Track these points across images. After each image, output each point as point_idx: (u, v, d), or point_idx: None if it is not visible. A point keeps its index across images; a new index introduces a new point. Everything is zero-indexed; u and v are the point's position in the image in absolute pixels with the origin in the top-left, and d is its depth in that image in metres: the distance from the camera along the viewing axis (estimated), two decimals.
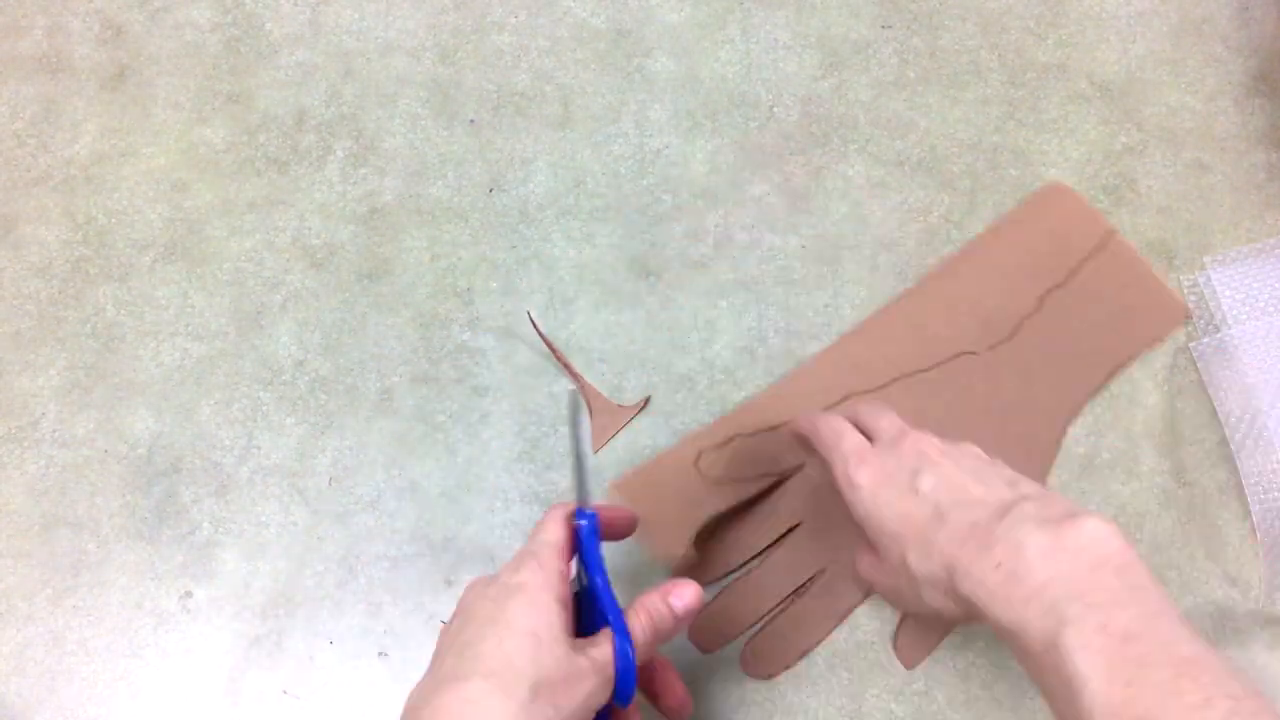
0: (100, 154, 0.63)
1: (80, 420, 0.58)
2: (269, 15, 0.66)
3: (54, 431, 0.58)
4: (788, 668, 0.52)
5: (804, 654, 0.52)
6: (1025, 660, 0.37)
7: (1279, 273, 0.58)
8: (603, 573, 0.42)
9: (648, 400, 0.57)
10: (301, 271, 0.60)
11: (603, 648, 0.39)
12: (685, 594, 0.42)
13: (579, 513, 0.43)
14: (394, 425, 0.57)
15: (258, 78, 0.65)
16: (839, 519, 0.48)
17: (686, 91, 0.64)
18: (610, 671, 0.38)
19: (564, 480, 0.56)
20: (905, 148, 0.62)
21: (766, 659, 0.52)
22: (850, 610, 0.53)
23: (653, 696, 0.44)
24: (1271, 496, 0.54)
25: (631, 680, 0.39)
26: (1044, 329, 0.57)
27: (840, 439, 0.46)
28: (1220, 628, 0.53)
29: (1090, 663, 0.33)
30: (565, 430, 0.57)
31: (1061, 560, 0.36)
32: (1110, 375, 0.56)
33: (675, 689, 0.44)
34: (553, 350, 0.57)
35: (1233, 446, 0.55)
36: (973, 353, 0.57)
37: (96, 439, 0.57)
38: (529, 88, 0.64)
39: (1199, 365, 0.57)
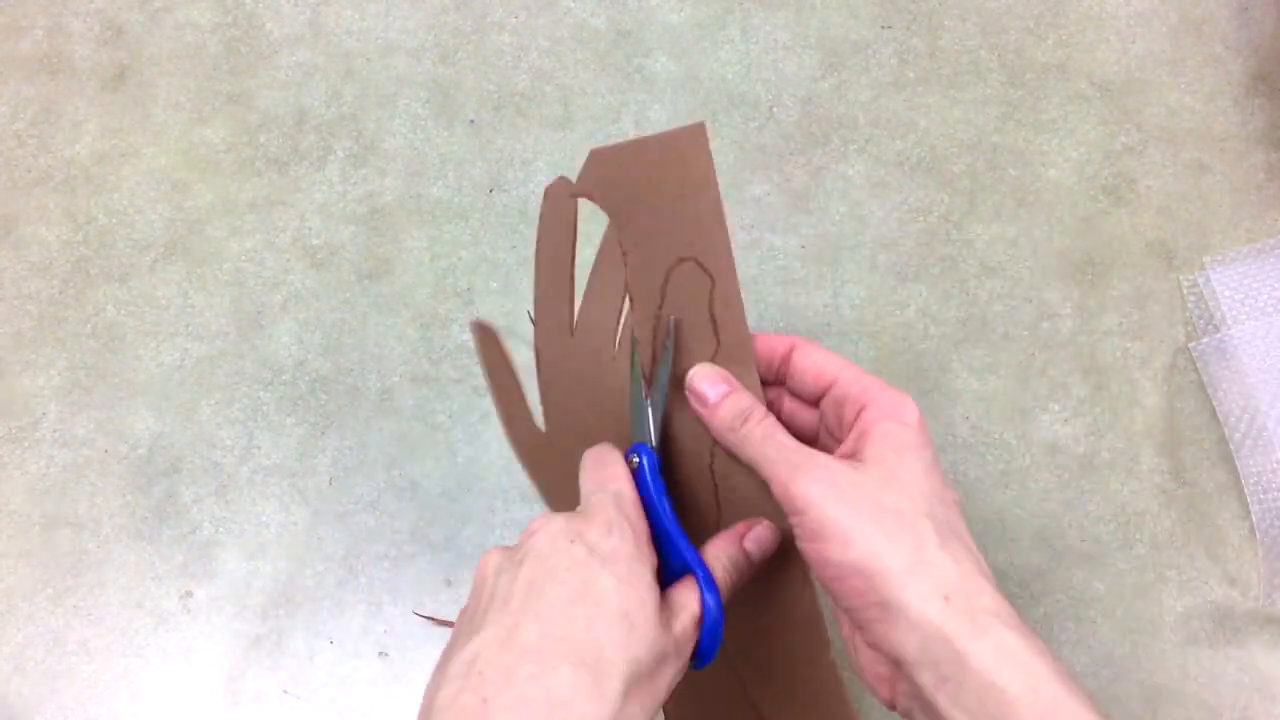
0: (101, 154, 0.63)
1: (80, 420, 0.58)
2: (269, 15, 0.66)
3: (54, 431, 0.58)
4: None
5: None
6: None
7: (1279, 273, 0.58)
8: (673, 519, 0.37)
9: None
10: (302, 271, 0.60)
11: (683, 618, 0.34)
12: (764, 537, 0.38)
13: (638, 448, 0.38)
14: (394, 425, 0.57)
15: (258, 78, 0.65)
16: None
17: (686, 91, 0.64)
18: (689, 651, 0.34)
19: None
20: (905, 148, 0.62)
21: None
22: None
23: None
24: (1271, 496, 0.54)
25: (716, 647, 0.35)
26: None
27: (873, 379, 0.39)
28: (1220, 628, 0.53)
29: (931, 613, 0.32)
30: None
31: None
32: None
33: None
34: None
35: (1232, 446, 0.55)
36: None
37: (97, 439, 0.57)
38: (529, 88, 0.64)
39: (1199, 365, 0.57)
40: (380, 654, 0.54)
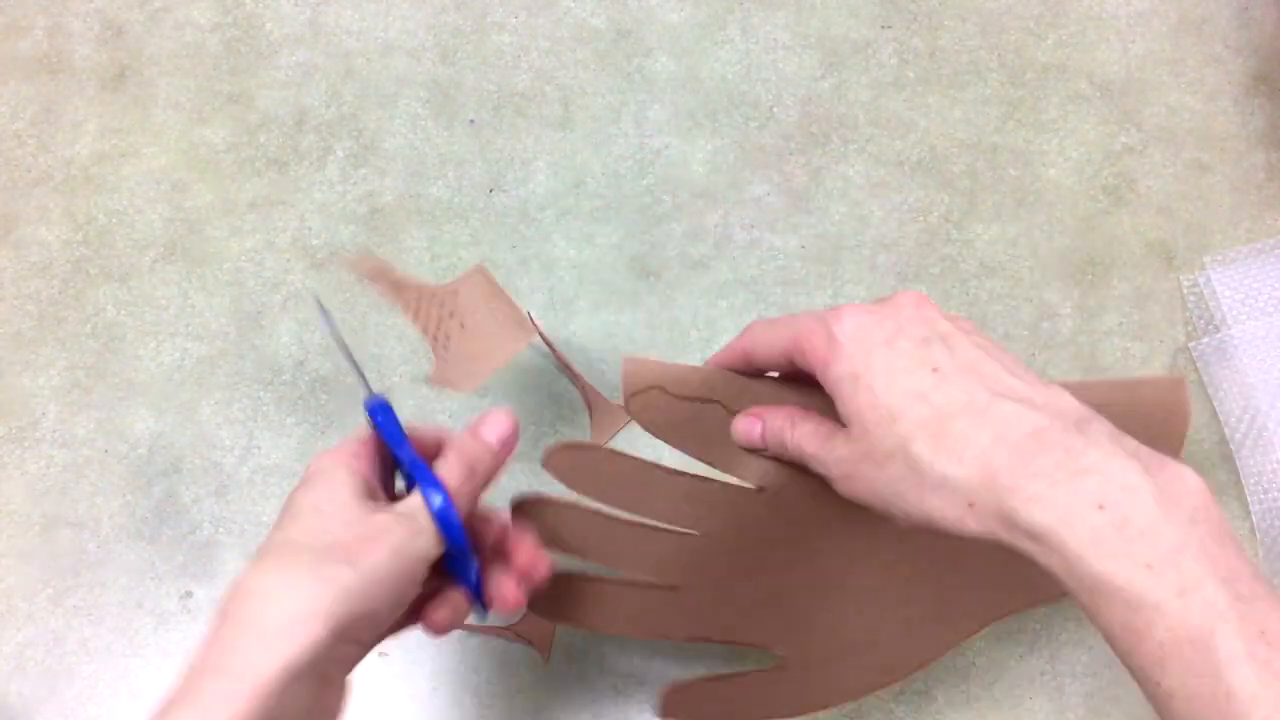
0: (100, 154, 0.63)
1: (80, 420, 0.58)
2: (269, 15, 0.66)
3: (54, 431, 0.58)
4: None
5: None
6: (1118, 619, 0.29)
7: (1279, 273, 0.58)
8: (404, 444, 0.40)
9: None
10: (302, 271, 0.60)
11: (412, 499, 0.37)
12: (497, 422, 0.40)
13: (367, 401, 0.41)
14: None
15: (258, 78, 0.65)
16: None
17: (686, 91, 0.64)
18: (425, 520, 0.36)
19: None
20: (905, 148, 0.62)
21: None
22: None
23: (503, 557, 0.41)
24: (1271, 496, 0.54)
25: (453, 523, 0.37)
26: None
27: (800, 318, 0.38)
28: None
29: (1260, 682, 0.27)
30: (565, 430, 0.57)
31: (1177, 518, 0.29)
32: None
33: (523, 544, 0.40)
34: (553, 350, 0.57)
35: (1232, 446, 0.55)
36: None
37: (96, 439, 0.57)
38: (529, 88, 0.64)
39: (1199, 365, 0.57)
40: (380, 654, 0.54)
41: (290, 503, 0.38)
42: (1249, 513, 0.54)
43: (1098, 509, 0.29)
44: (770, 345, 0.39)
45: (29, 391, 0.58)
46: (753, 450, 0.42)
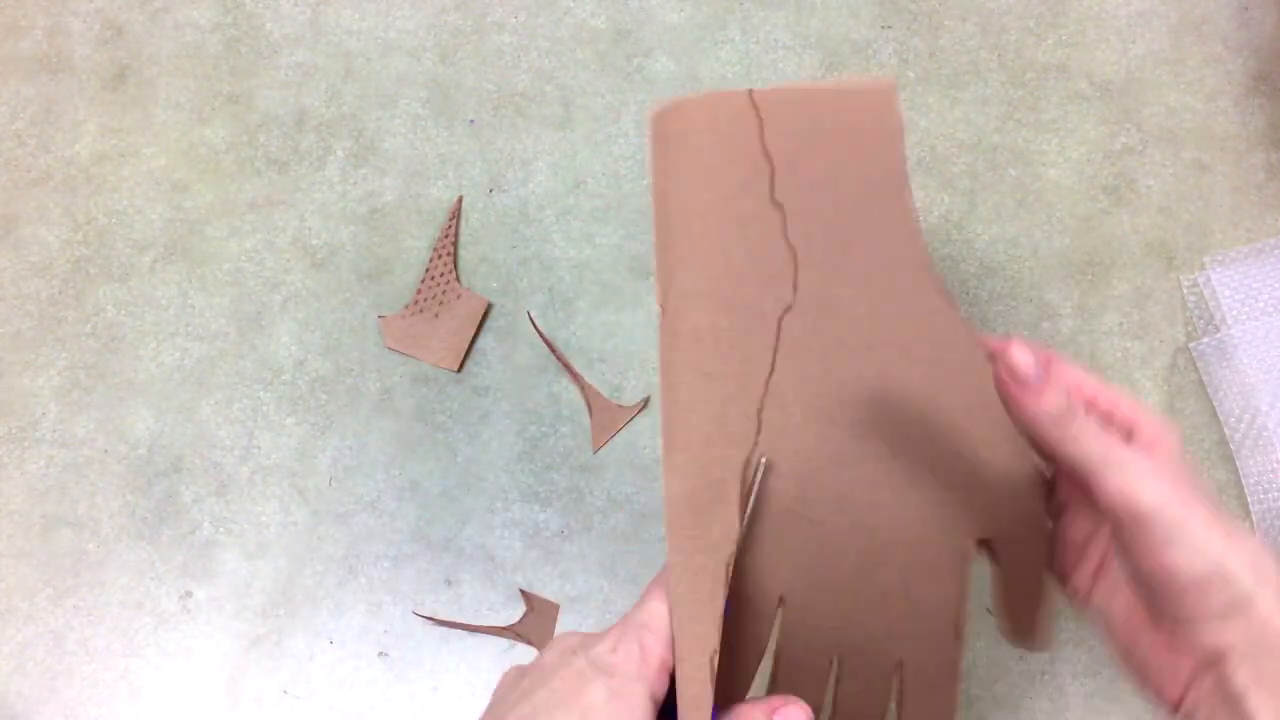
0: (100, 154, 0.63)
1: (80, 420, 0.58)
2: (269, 15, 0.66)
3: (54, 431, 0.58)
4: None
5: None
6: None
7: (1279, 273, 0.58)
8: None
9: (648, 400, 0.57)
10: (302, 271, 0.60)
11: None
12: (792, 716, 0.35)
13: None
14: (394, 425, 0.57)
15: (258, 78, 0.65)
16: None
17: (686, 91, 0.64)
18: None
19: (564, 480, 0.56)
20: (905, 148, 0.62)
21: None
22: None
23: None
24: (1271, 496, 0.54)
25: None
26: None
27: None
28: None
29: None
30: (565, 430, 0.57)
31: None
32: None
33: None
34: (553, 350, 0.57)
35: (1233, 446, 0.55)
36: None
37: (96, 439, 0.57)
38: (529, 88, 0.64)
39: (1199, 365, 0.57)
40: (380, 654, 0.54)
41: (580, 692, 0.33)
42: (1249, 513, 0.54)
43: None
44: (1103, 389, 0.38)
45: (29, 391, 0.58)
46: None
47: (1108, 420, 0.36)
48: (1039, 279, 0.60)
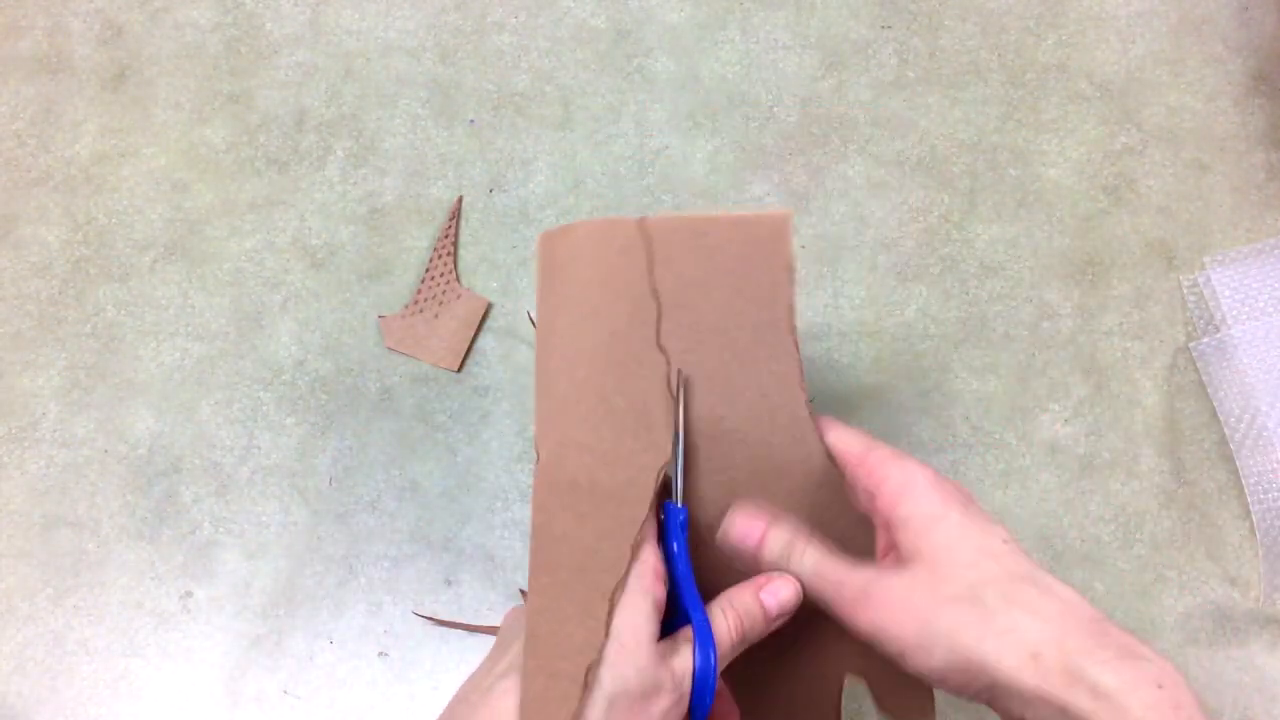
0: (100, 154, 0.63)
1: (80, 420, 0.58)
2: (269, 15, 0.66)
3: (54, 431, 0.58)
4: None
5: None
6: None
7: (1279, 273, 0.58)
8: (688, 566, 0.37)
9: None
10: (302, 271, 0.60)
11: (683, 656, 0.35)
12: (782, 591, 0.37)
13: (668, 505, 0.39)
14: (394, 425, 0.57)
15: (258, 78, 0.65)
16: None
17: (686, 91, 0.64)
18: (687, 686, 0.35)
19: None
20: (905, 148, 0.62)
21: None
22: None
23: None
24: (1271, 496, 0.54)
25: (709, 698, 0.35)
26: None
27: (880, 443, 0.39)
28: (1220, 628, 0.53)
29: None
30: None
31: (1199, 709, 0.34)
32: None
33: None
34: None
35: (1233, 446, 0.55)
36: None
37: (96, 439, 0.57)
38: (529, 88, 0.64)
39: (1199, 365, 0.57)
40: (380, 654, 0.54)
41: None
42: (1249, 513, 0.54)
43: (1157, 687, 0.32)
44: (839, 439, 0.39)
45: (29, 391, 0.58)
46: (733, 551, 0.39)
47: (856, 489, 0.38)
48: (1039, 279, 0.60)
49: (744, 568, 0.39)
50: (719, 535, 0.39)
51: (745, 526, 0.38)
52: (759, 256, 0.40)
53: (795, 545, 0.38)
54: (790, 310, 0.40)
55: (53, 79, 0.65)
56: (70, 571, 0.55)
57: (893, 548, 0.37)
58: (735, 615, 0.37)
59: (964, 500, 0.37)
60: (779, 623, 0.38)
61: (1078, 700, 0.32)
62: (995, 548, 0.35)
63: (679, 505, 0.39)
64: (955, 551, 0.35)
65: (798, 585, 0.38)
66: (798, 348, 0.40)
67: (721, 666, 0.36)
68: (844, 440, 0.39)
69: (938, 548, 0.35)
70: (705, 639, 0.35)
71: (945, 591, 0.35)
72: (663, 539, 0.38)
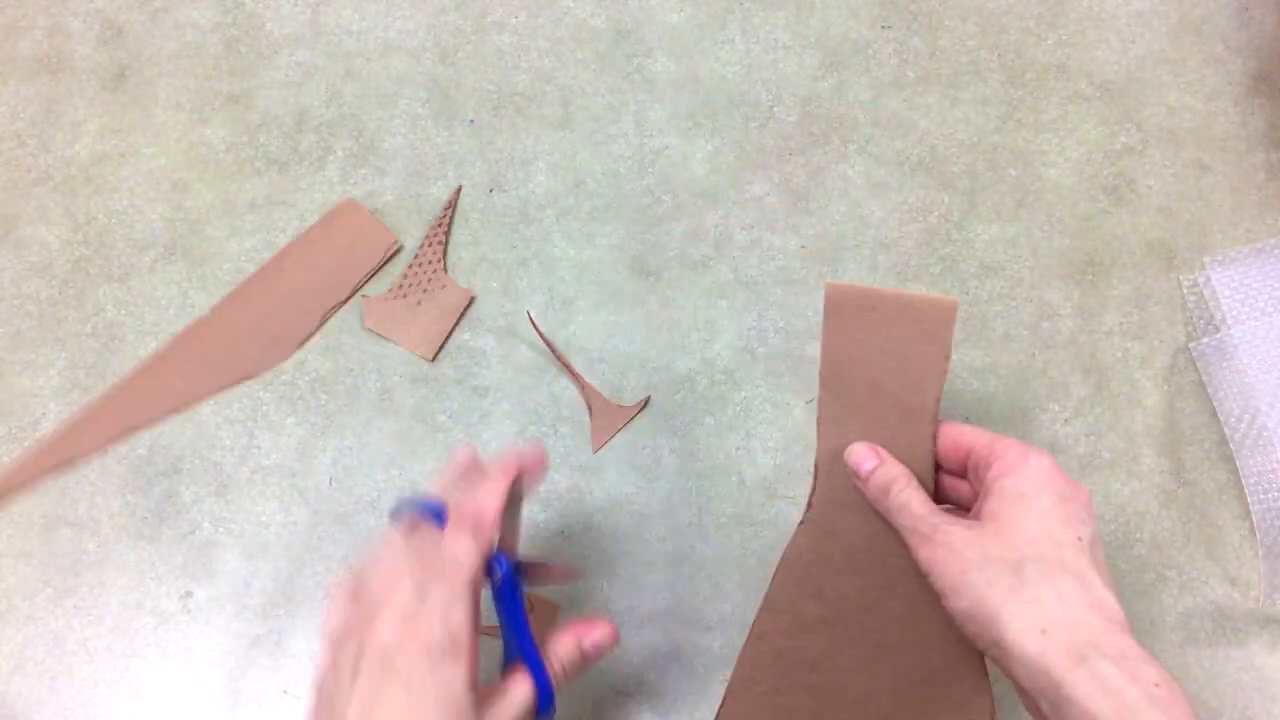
0: (100, 154, 0.63)
1: None
2: (269, 15, 0.66)
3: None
4: None
5: None
6: None
7: (1279, 273, 0.58)
8: (522, 623, 0.41)
9: (647, 400, 0.57)
10: None
11: (512, 699, 0.39)
12: (597, 635, 0.42)
13: (498, 558, 0.41)
14: (394, 425, 0.57)
15: (258, 78, 0.65)
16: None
17: (686, 91, 0.64)
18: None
19: (564, 480, 0.56)
20: (905, 148, 0.62)
21: None
22: None
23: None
24: (1271, 496, 0.54)
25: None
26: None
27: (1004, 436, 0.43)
28: (1220, 628, 0.53)
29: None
30: (565, 430, 0.57)
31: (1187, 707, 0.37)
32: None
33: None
34: (552, 350, 0.57)
35: (1233, 446, 0.55)
36: (250, 377, 0.57)
37: None
38: (529, 88, 0.64)
39: (1199, 365, 0.57)
40: None
41: (417, 667, 0.36)
42: (1249, 513, 0.54)
43: (1154, 685, 0.34)
44: (969, 434, 0.42)
45: (29, 391, 0.58)
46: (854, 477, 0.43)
47: (977, 467, 0.42)
48: (1039, 279, 0.60)
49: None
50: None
51: (862, 455, 0.43)
52: (919, 339, 0.43)
53: (898, 481, 0.42)
54: (938, 401, 0.43)
55: (53, 79, 0.65)
56: (70, 571, 0.55)
57: (977, 513, 0.40)
58: (559, 665, 0.41)
59: (1066, 495, 0.39)
60: (595, 661, 0.42)
61: (1075, 680, 0.34)
62: (1063, 538, 0.38)
63: (510, 560, 0.42)
64: (1023, 526, 0.38)
65: (613, 628, 0.43)
66: (935, 439, 0.43)
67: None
68: (970, 433, 0.42)
69: (1011, 518, 0.39)
70: (542, 676, 0.40)
71: (994, 552, 0.38)
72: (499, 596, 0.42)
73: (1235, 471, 0.55)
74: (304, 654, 0.54)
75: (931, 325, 0.42)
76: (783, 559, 0.44)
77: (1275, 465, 0.54)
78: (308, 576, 0.55)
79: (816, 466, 0.44)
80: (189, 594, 0.55)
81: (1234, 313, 0.57)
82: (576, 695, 0.53)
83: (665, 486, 0.56)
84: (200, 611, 0.54)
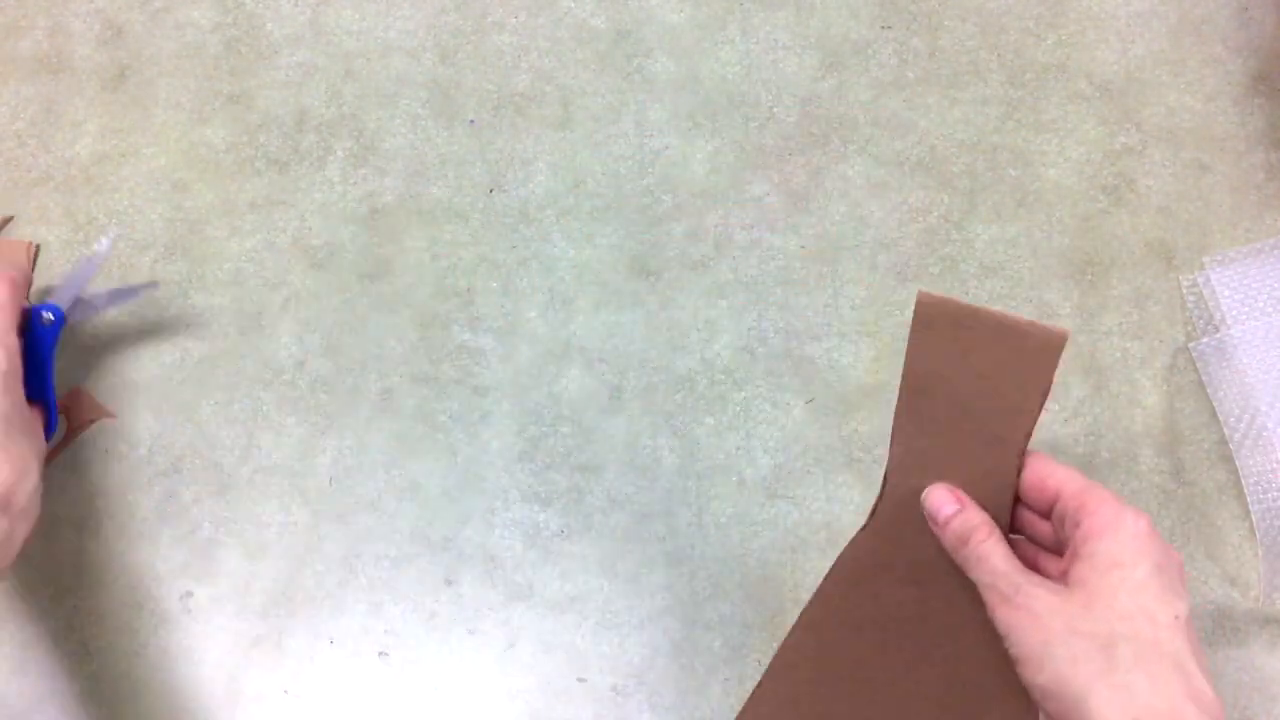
0: (101, 154, 0.63)
1: None
2: (269, 15, 0.66)
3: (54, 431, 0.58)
4: None
5: None
6: None
7: (1279, 273, 0.58)
8: (50, 374, 0.53)
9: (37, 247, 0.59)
10: (302, 271, 0.60)
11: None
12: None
13: (52, 307, 0.54)
14: (394, 425, 0.57)
15: (258, 78, 0.65)
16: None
17: (686, 91, 0.64)
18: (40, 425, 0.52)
19: (564, 480, 0.56)
20: (905, 148, 0.62)
21: None
22: None
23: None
24: (1271, 496, 0.54)
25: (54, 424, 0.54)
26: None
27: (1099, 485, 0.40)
28: (1220, 628, 0.53)
29: None
30: (565, 430, 0.57)
31: None
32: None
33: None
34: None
35: (1232, 446, 0.55)
36: None
37: (96, 439, 0.57)
38: (529, 88, 0.64)
39: (1198, 365, 0.57)
40: (380, 654, 0.54)
41: None
42: (1249, 513, 0.54)
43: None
44: (1059, 475, 0.40)
45: None
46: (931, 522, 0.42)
47: (1063, 518, 0.39)
48: (1039, 279, 0.60)
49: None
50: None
51: (941, 499, 0.41)
52: (1017, 367, 0.40)
53: (980, 531, 0.40)
54: (1028, 436, 0.40)
55: (53, 79, 0.65)
56: (71, 571, 0.55)
57: (1064, 575, 0.38)
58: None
59: (1163, 564, 0.37)
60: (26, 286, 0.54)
61: None
62: (1160, 615, 0.36)
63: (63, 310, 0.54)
64: (1118, 599, 0.36)
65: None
66: (1020, 473, 0.41)
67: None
68: (1061, 475, 0.40)
69: (1103, 589, 0.36)
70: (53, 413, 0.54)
71: (1083, 626, 0.35)
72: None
73: (1235, 471, 0.55)
74: (304, 654, 0.54)
75: (1034, 355, 0.40)
76: (840, 557, 0.43)
77: (1275, 465, 0.54)
78: (308, 576, 0.55)
79: (886, 476, 0.42)
80: (189, 594, 0.55)
81: (1233, 313, 0.57)
82: (576, 695, 0.53)
83: (665, 486, 0.56)
84: (200, 611, 0.54)
